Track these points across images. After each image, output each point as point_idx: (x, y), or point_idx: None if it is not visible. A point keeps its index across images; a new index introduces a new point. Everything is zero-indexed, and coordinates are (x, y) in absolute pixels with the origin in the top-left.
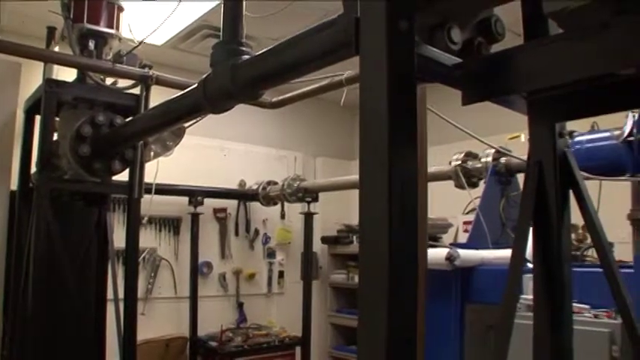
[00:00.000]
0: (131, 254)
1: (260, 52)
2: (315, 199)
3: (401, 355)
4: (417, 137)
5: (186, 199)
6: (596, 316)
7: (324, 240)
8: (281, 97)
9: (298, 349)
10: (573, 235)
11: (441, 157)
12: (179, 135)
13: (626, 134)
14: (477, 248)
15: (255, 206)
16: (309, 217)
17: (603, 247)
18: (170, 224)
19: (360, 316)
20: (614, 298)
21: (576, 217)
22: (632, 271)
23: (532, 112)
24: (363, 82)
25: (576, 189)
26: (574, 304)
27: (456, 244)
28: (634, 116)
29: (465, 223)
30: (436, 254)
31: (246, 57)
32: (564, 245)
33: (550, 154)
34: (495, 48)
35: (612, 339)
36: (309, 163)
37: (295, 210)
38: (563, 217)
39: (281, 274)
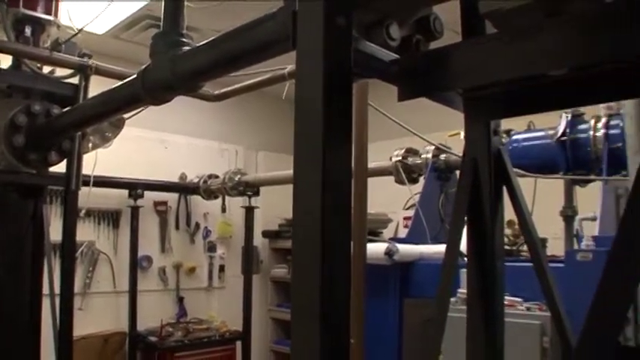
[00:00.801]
0: (68, 248)
1: (200, 43)
2: (257, 193)
3: (334, 349)
4: (351, 132)
5: (125, 191)
6: (528, 309)
7: (265, 234)
8: (223, 90)
9: (239, 344)
10: (510, 231)
11: (382, 152)
12: (118, 126)
13: (559, 134)
14: (416, 243)
15: (196, 200)
16: (250, 211)
17: (534, 242)
18: (109, 217)
19: (293, 309)
20: (543, 291)
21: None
22: (563, 265)
23: (468, 109)
24: (300, 77)
25: (509, 186)
26: (508, 298)
27: (395, 239)
28: (567, 117)
29: (406, 218)
30: (375, 249)
31: (187, 48)
32: (497, 241)
33: (485, 151)
34: (435, 46)
35: (543, 331)
36: (250, 156)
37: (236, 204)
38: (496, 213)
39: (222, 268)
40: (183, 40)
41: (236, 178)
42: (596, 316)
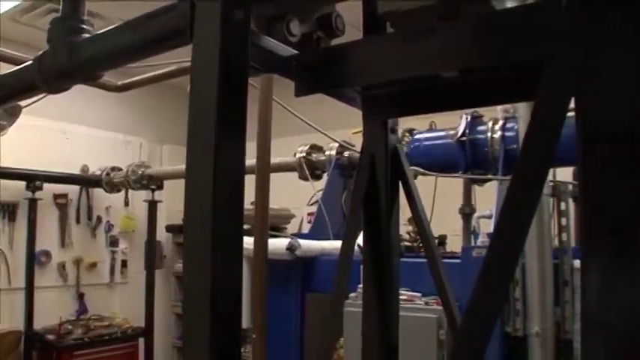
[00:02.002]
0: None
1: (100, 31)
2: (160, 187)
3: (225, 346)
4: (245, 126)
5: (23, 183)
6: (426, 304)
7: (169, 229)
8: (127, 81)
9: (141, 340)
10: (411, 228)
11: (288, 148)
12: (14, 114)
13: (459, 134)
14: (318, 239)
15: (97, 193)
16: (153, 205)
17: (428, 238)
18: (5, 210)
19: (184, 301)
20: (436, 286)
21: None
22: (460, 261)
23: (366, 107)
24: (194, 70)
25: (405, 183)
26: (407, 293)
27: (297, 235)
28: (467, 118)
29: (310, 214)
30: (277, 244)
31: (87, 35)
32: (393, 236)
33: (382, 148)
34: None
35: (439, 324)
36: (155, 149)
37: (140, 197)
38: (392, 209)
39: (124, 263)
40: (83, 26)
41: (139, 171)
42: (474, 309)
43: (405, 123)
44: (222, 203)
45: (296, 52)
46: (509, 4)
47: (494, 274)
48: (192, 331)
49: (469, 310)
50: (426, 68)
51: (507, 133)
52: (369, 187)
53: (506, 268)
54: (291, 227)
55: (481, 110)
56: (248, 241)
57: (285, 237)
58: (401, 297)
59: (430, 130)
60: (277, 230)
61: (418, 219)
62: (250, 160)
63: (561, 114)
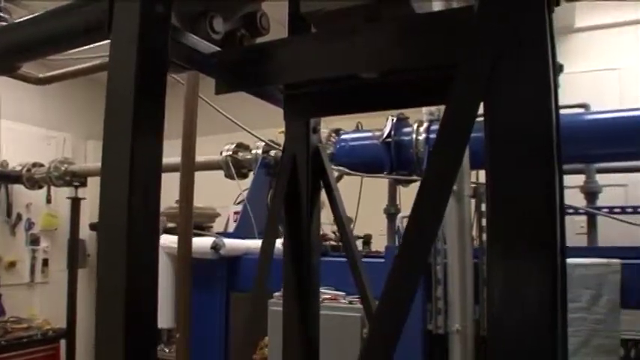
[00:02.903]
0: None
1: (17, 20)
2: (84, 184)
3: (139, 346)
4: (163, 123)
5: None
6: (350, 302)
7: (93, 227)
8: (50, 74)
9: (63, 342)
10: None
11: (214, 146)
12: None
13: (385, 135)
14: (243, 238)
15: (18, 189)
16: (76, 202)
17: (348, 237)
18: None
19: (97, 301)
20: (356, 286)
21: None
22: (384, 260)
23: (288, 106)
24: (112, 65)
25: (327, 183)
26: (331, 292)
27: (222, 234)
28: (393, 120)
29: (236, 213)
30: (202, 243)
31: (3, 24)
32: (314, 236)
33: (304, 148)
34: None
35: (363, 322)
36: (79, 145)
37: (63, 194)
38: (313, 209)
39: (45, 262)
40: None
41: (62, 168)
42: (386, 304)
43: (332, 123)
44: (137, 201)
45: (219, 49)
46: (437, 7)
47: (405, 271)
48: (105, 331)
49: (381, 305)
50: (346, 69)
51: (432, 135)
52: (290, 186)
53: (416, 265)
54: (218, 226)
55: (407, 112)
56: (172, 240)
57: (210, 236)
58: (325, 296)
59: (356, 130)
60: (203, 229)
61: (339, 219)
62: (175, 158)
63: (471, 117)
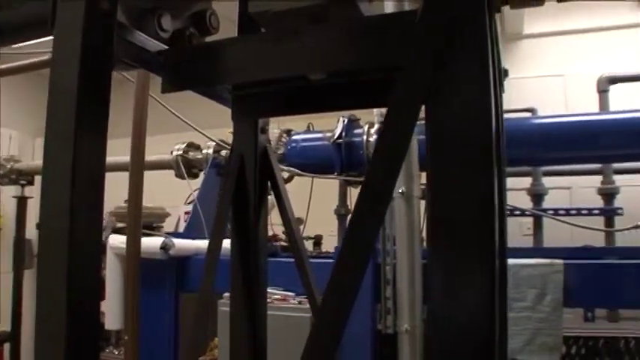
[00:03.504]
0: None
1: None
2: (31, 183)
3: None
4: (107, 122)
5: None
6: (300, 303)
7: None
8: None
9: (7, 346)
10: None
11: (166, 145)
12: None
13: (336, 137)
14: (193, 238)
15: None
16: (22, 201)
17: (295, 238)
18: None
19: (38, 302)
20: (304, 287)
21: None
22: (333, 261)
23: (236, 106)
24: (55, 62)
25: (274, 184)
26: (281, 292)
27: (172, 234)
28: (344, 121)
29: (187, 213)
30: (151, 243)
31: None
32: (261, 236)
33: (251, 148)
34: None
35: (312, 323)
36: (27, 142)
37: (8, 193)
38: (260, 209)
39: None
40: None
41: (8, 166)
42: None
43: (283, 124)
44: (79, 201)
45: (167, 47)
46: (389, 8)
47: (347, 270)
48: (45, 334)
49: (323, 305)
50: (294, 70)
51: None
52: (237, 186)
53: (359, 265)
54: (169, 226)
55: (358, 113)
56: (121, 240)
57: (160, 236)
58: (274, 297)
59: (308, 131)
60: (152, 229)
61: (286, 219)
62: (125, 156)
63: (412, 121)
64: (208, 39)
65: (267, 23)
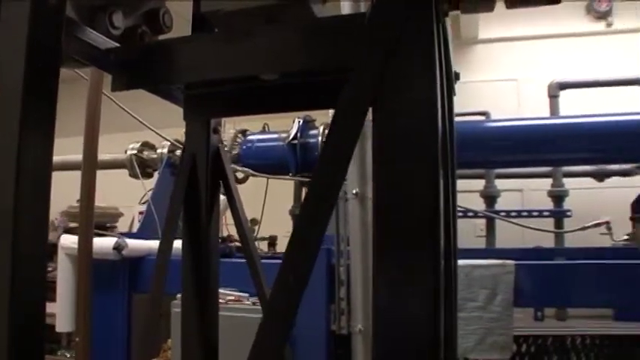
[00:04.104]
0: None
1: None
2: None
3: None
4: (54, 121)
5: None
6: (254, 304)
7: None
8: None
9: None
10: None
11: (121, 144)
12: None
13: (291, 137)
14: (147, 238)
15: None
16: None
17: (246, 239)
18: None
19: None
20: (255, 287)
21: (249, 211)
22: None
23: (188, 106)
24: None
25: (226, 184)
26: (235, 293)
27: (126, 234)
28: (299, 122)
29: (142, 213)
30: (103, 244)
31: None
32: (213, 237)
33: (204, 148)
34: None
35: None
36: None
37: None
38: (212, 209)
39: None
40: None
41: None
42: (273, 306)
43: (239, 124)
44: (24, 201)
45: (117, 45)
46: (346, 9)
47: (293, 269)
48: None
49: (269, 307)
50: (246, 70)
51: None
52: (189, 187)
53: (305, 265)
54: (123, 226)
55: (314, 114)
56: (73, 241)
57: (112, 236)
58: (228, 297)
59: (263, 132)
60: (105, 229)
61: (238, 220)
62: (77, 155)
63: (359, 122)
64: (163, 38)
65: (220, 23)
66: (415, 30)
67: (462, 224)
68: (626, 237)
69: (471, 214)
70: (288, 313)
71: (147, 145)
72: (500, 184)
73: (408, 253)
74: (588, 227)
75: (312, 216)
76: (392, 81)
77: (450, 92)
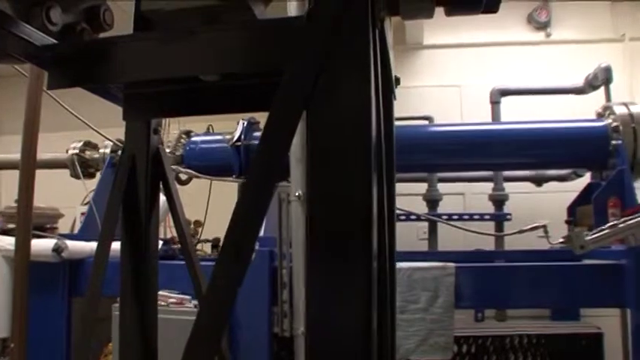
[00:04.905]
0: None
1: None
2: None
3: None
4: None
5: None
6: (196, 306)
7: None
8: None
9: None
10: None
11: (63, 144)
12: None
13: (235, 139)
14: (88, 240)
15: None
16: None
17: (185, 240)
18: None
19: None
20: (194, 289)
21: (192, 213)
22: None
23: (128, 105)
24: None
25: (166, 185)
26: (177, 295)
27: (66, 236)
28: (244, 123)
29: (84, 214)
30: (42, 245)
31: None
32: (152, 238)
33: (143, 149)
34: None
35: None
36: None
37: None
38: (152, 211)
39: None
40: None
41: None
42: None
43: (184, 125)
44: None
45: (54, 41)
46: (293, 10)
47: (227, 269)
48: None
49: (202, 306)
50: (185, 70)
51: None
52: (128, 188)
53: (237, 267)
54: (64, 228)
55: (258, 116)
56: (10, 242)
57: (52, 237)
58: (170, 300)
59: (207, 133)
60: (45, 230)
61: (177, 221)
62: (15, 154)
63: (292, 125)
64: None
65: (160, 22)
66: (350, 34)
67: (404, 227)
68: (561, 240)
69: (413, 217)
70: (221, 314)
71: (89, 145)
72: (442, 187)
73: (341, 256)
74: (526, 230)
75: (245, 218)
76: (326, 85)
77: (390, 96)
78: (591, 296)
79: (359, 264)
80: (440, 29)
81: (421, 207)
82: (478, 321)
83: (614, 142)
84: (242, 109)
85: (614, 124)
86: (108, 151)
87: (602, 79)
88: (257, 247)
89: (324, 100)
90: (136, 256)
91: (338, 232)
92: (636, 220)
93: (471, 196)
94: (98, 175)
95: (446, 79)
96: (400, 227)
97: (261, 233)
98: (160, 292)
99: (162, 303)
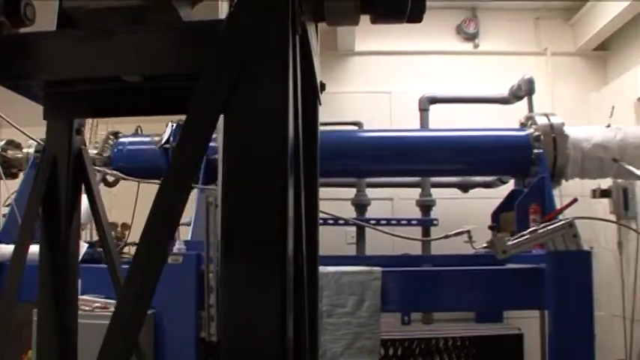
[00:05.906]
0: None
1: None
2: None
3: None
4: None
5: None
6: None
7: None
8: None
9: None
10: (114, 233)
11: None
12: None
13: (163, 141)
14: (9, 243)
15: None
16: None
17: (107, 243)
18: None
19: None
20: (116, 292)
21: (120, 215)
22: None
23: (49, 104)
24: None
25: (88, 187)
26: (102, 300)
27: None
28: (172, 125)
29: (5, 215)
30: None
31: None
32: (73, 241)
33: (65, 149)
34: None
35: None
36: None
37: None
38: (73, 214)
39: None
40: None
41: None
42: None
43: (113, 126)
44: None
45: None
46: (224, 13)
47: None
48: None
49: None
50: (106, 70)
51: (210, 144)
52: (48, 189)
53: (151, 271)
54: None
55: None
56: None
57: None
58: (95, 304)
59: (136, 134)
60: None
61: (99, 224)
62: None
63: (208, 129)
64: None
65: (82, 20)
66: (269, 39)
67: (333, 231)
68: (485, 245)
69: (342, 221)
70: (135, 318)
71: (12, 144)
72: (371, 192)
73: (255, 259)
74: (451, 235)
75: (159, 220)
76: (243, 89)
77: (315, 101)
78: (513, 299)
79: (273, 266)
80: (371, 36)
81: (349, 212)
82: (405, 324)
83: (535, 150)
84: (165, 111)
85: (536, 133)
86: (32, 150)
87: (525, 90)
88: (184, 250)
89: (242, 103)
90: (55, 259)
91: (252, 234)
92: (554, 225)
93: (399, 201)
94: (21, 175)
95: (376, 86)
96: (329, 231)
97: (189, 237)
98: (85, 297)
99: (87, 308)
